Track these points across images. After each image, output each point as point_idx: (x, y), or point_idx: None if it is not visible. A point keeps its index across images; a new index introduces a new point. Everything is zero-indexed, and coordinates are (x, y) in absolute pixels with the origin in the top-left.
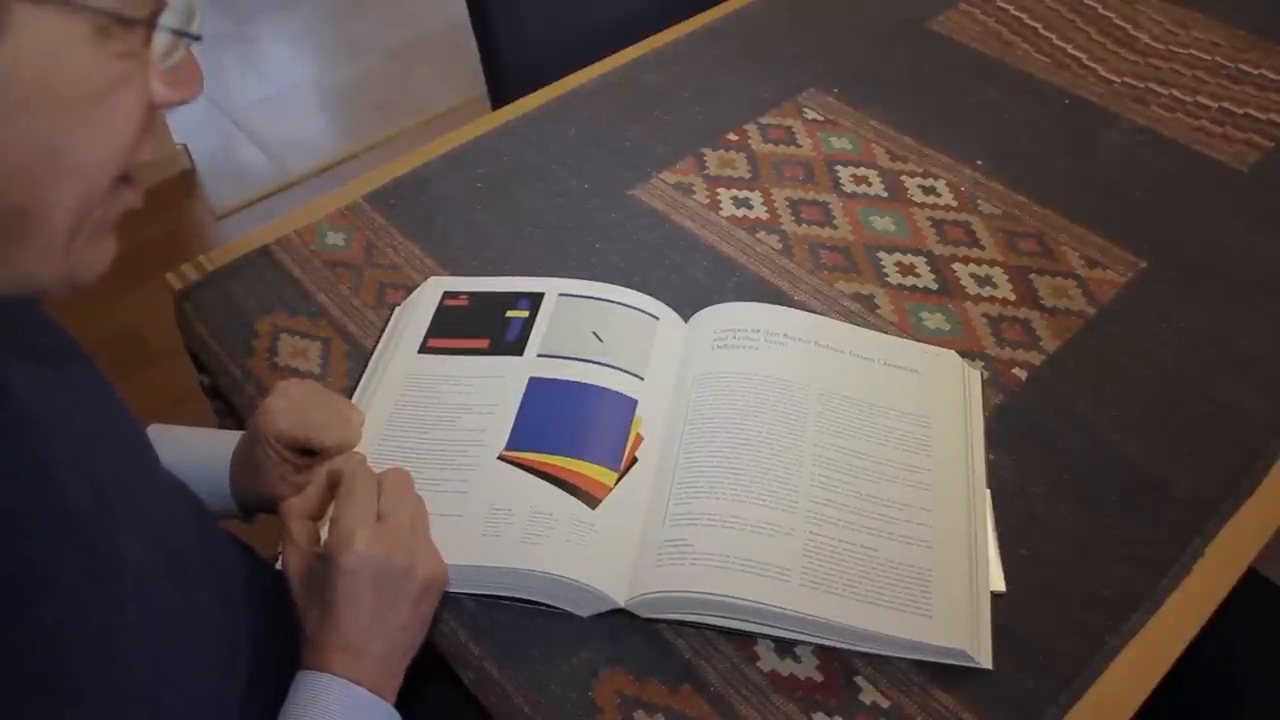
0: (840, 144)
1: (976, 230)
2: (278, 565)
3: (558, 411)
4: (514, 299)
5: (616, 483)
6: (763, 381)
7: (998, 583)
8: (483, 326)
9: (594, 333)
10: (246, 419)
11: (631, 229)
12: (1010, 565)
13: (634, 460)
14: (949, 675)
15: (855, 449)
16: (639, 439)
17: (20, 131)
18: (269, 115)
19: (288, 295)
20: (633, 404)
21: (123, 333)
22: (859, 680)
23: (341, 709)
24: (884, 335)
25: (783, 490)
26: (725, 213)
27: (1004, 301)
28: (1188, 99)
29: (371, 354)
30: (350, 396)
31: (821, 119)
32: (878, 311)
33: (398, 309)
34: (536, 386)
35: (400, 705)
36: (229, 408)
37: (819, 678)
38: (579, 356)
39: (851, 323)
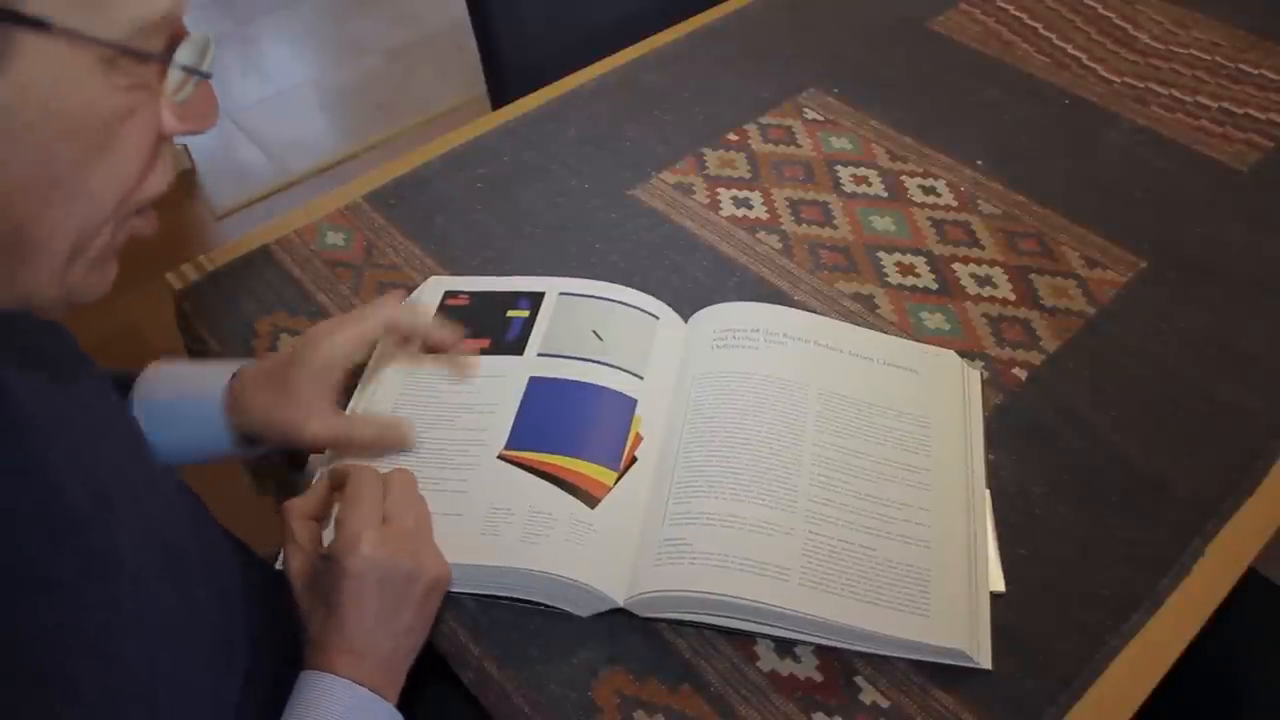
0: (840, 144)
1: (976, 230)
2: (277, 565)
3: (557, 411)
4: (514, 298)
5: (616, 482)
6: (762, 381)
7: (997, 583)
8: (483, 326)
9: (594, 332)
10: None
11: (631, 229)
12: (1010, 565)
13: (633, 459)
14: (949, 675)
15: (855, 449)
16: (638, 438)
17: (23, 155)
18: (269, 115)
19: (288, 295)
20: (632, 403)
21: (123, 333)
22: (859, 680)
23: (345, 710)
24: (884, 335)
25: (782, 490)
26: (725, 213)
27: (1004, 301)
28: (1188, 99)
29: (371, 354)
30: (350, 396)
31: (821, 119)
32: (878, 311)
33: None
34: (536, 386)
35: (401, 705)
36: None
37: (819, 678)
38: (579, 356)
39: (851, 323)
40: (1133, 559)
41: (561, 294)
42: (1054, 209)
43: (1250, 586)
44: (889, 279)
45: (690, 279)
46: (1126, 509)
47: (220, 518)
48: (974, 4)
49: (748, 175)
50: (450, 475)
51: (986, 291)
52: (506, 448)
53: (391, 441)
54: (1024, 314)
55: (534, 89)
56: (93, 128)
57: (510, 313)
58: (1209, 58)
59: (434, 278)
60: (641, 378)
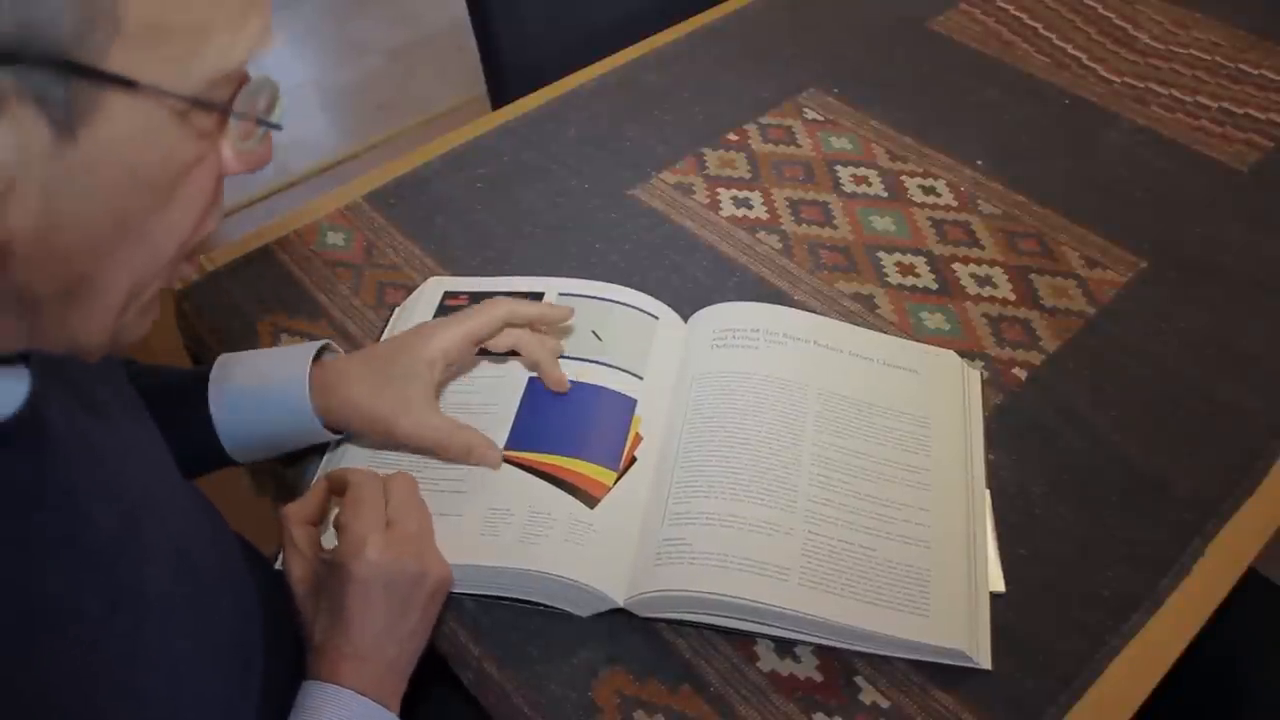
0: (840, 144)
1: (976, 230)
2: (277, 565)
3: (557, 411)
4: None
5: (615, 482)
6: (762, 381)
7: (997, 583)
8: None
9: (593, 332)
10: None
11: (631, 229)
12: (1010, 565)
13: (633, 459)
14: (949, 675)
15: (854, 448)
16: (638, 438)
17: (101, 208)
18: None
19: (288, 295)
20: (632, 403)
21: None
22: (859, 680)
23: (350, 718)
24: (883, 335)
25: (781, 490)
26: (725, 213)
27: (1004, 301)
28: (1188, 99)
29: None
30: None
31: (821, 119)
32: (878, 311)
33: (398, 309)
34: (536, 386)
35: (401, 707)
36: None
37: (819, 678)
38: (578, 356)
39: (851, 323)
40: (1133, 559)
41: (561, 294)
42: (1054, 209)
43: (1250, 586)
44: (889, 279)
45: (690, 279)
46: (1126, 509)
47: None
48: (974, 4)
49: (748, 175)
50: (449, 475)
51: (986, 291)
52: (506, 448)
53: (479, 460)
54: (1024, 314)
55: (534, 89)
56: (165, 179)
57: None
58: (1209, 58)
59: (433, 278)
60: (641, 378)
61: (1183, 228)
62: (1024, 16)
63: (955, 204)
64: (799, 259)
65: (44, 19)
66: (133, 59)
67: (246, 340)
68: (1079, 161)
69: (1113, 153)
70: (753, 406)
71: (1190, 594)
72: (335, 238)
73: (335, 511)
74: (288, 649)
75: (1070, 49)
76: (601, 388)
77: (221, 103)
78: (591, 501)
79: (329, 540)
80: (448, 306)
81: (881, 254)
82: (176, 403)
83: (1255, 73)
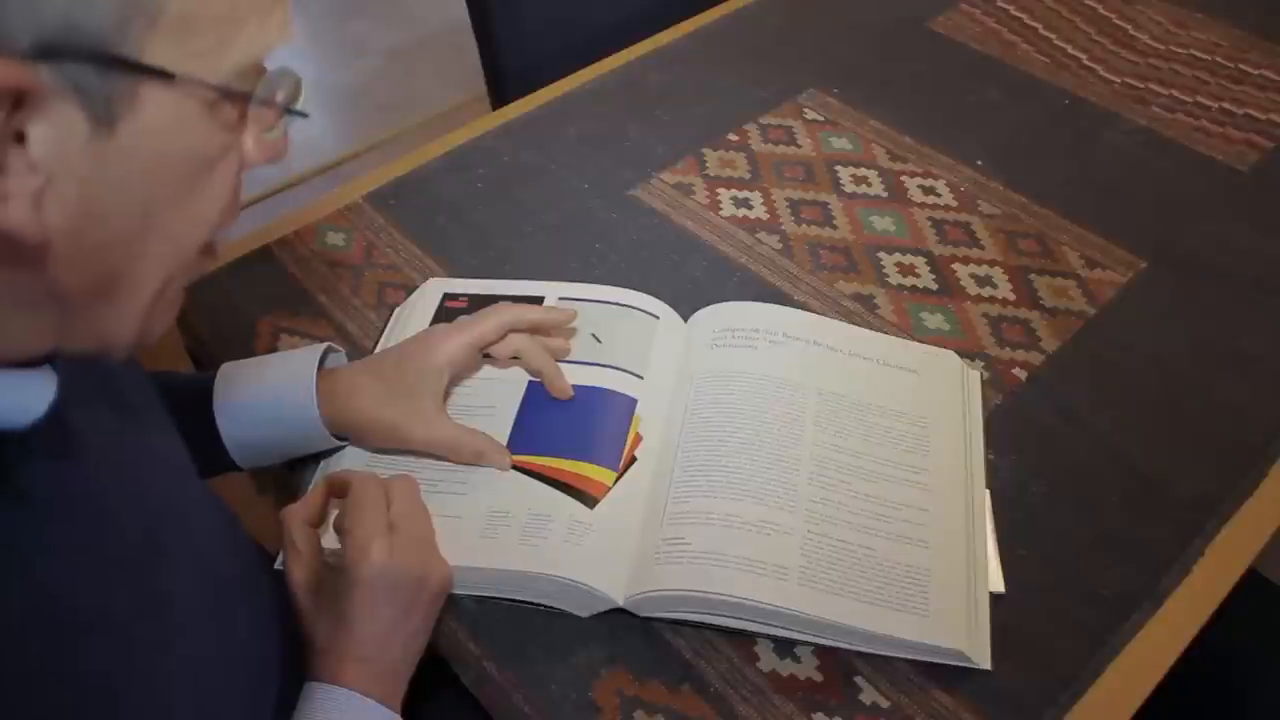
0: (840, 144)
1: (976, 230)
2: (277, 564)
3: (557, 413)
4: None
5: (615, 482)
6: (762, 381)
7: (997, 583)
8: None
9: (593, 334)
10: None
11: (631, 229)
12: (1010, 565)
13: (633, 459)
14: (948, 675)
15: (854, 448)
16: (638, 438)
17: (134, 202)
18: None
19: (288, 295)
20: (632, 403)
21: None
22: (859, 680)
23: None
24: (883, 335)
25: (781, 489)
26: (725, 213)
27: (1004, 301)
28: (1188, 99)
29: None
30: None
31: (821, 119)
32: (877, 311)
33: (398, 310)
34: (536, 388)
35: (402, 707)
36: None
37: (819, 678)
38: (578, 359)
39: (851, 323)
40: (1133, 559)
41: (561, 298)
42: (1054, 209)
43: (1250, 586)
44: (889, 279)
45: (690, 279)
46: (1126, 509)
47: None
48: (974, 4)
49: (748, 175)
50: (449, 477)
51: (986, 291)
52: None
53: (490, 464)
54: (1024, 314)
55: (534, 89)
56: (193, 171)
57: None
58: (1209, 58)
59: (433, 280)
60: (641, 377)
61: (1183, 228)
62: (1024, 17)
63: (955, 204)
64: (799, 259)
65: (87, 13)
66: (169, 51)
67: (246, 340)
68: (1079, 161)
69: (1113, 153)
70: (752, 406)
71: (1190, 594)
72: (335, 238)
73: (335, 513)
74: (297, 660)
75: (1070, 49)
76: (602, 388)
77: (251, 92)
78: (591, 502)
79: (329, 541)
80: (447, 307)
81: (881, 254)
82: (181, 414)
83: (1255, 73)
